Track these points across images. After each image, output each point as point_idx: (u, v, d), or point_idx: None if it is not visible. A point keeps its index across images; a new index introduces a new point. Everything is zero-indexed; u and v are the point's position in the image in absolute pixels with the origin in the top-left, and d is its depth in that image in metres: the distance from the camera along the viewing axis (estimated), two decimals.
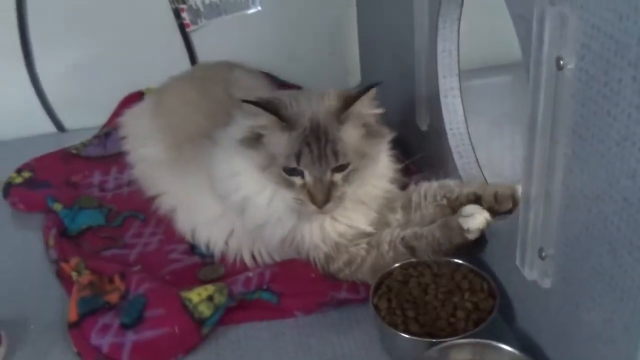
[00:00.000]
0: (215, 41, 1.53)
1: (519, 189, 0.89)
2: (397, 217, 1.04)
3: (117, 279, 1.02)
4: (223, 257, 1.08)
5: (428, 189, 1.04)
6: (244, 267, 1.05)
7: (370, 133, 0.98)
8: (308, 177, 0.94)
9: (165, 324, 0.93)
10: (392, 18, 1.26)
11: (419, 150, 1.16)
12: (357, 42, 1.55)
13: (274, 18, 1.54)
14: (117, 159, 1.34)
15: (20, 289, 1.08)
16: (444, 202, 1.01)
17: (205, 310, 0.94)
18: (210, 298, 0.96)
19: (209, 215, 1.08)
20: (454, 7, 1.01)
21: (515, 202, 0.94)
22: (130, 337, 0.93)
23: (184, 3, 1.49)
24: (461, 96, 1.08)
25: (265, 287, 1.00)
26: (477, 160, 1.07)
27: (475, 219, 0.93)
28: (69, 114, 1.55)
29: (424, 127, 1.17)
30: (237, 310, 0.98)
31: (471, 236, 0.93)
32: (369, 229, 1.01)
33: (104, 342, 0.92)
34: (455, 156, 1.08)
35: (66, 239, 1.14)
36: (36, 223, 1.21)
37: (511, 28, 0.78)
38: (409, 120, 1.20)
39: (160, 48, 1.52)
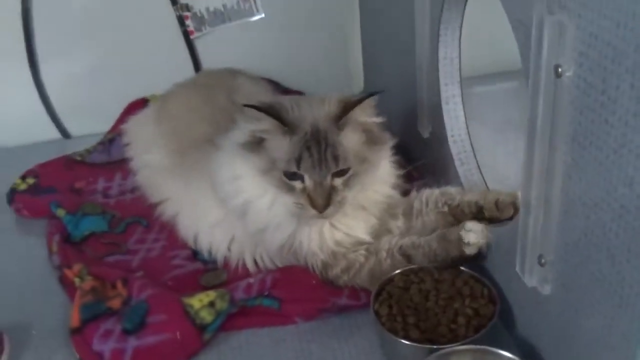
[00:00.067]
0: (219, 48, 1.53)
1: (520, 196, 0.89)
2: (399, 223, 1.04)
3: (119, 285, 1.02)
4: (226, 263, 1.09)
5: (429, 195, 1.04)
6: (247, 273, 1.06)
7: (371, 139, 0.99)
8: (308, 182, 0.95)
9: (167, 329, 0.94)
10: (394, 25, 1.27)
11: (421, 157, 1.17)
12: (360, 49, 1.56)
13: (278, 26, 1.54)
14: (121, 165, 1.35)
15: (23, 294, 1.09)
16: (445, 209, 1.01)
17: (206, 316, 0.95)
18: (211, 304, 0.96)
19: (211, 220, 1.08)
20: (456, 14, 1.02)
21: (516, 209, 0.93)
22: (132, 342, 0.93)
23: (188, 10, 1.50)
24: (463, 103, 1.08)
25: (266, 293, 1.00)
26: (478, 167, 1.08)
27: (477, 234, 0.92)
28: (74, 121, 1.56)
29: (425, 134, 1.17)
30: (238, 316, 0.98)
31: (469, 250, 0.92)
32: (368, 238, 1.01)
33: (106, 347, 0.93)
34: (457, 163, 1.08)
35: (69, 245, 1.15)
36: (40, 229, 1.21)
37: (512, 35, 0.78)
38: (410, 127, 1.21)
39: (165, 55, 1.53)
